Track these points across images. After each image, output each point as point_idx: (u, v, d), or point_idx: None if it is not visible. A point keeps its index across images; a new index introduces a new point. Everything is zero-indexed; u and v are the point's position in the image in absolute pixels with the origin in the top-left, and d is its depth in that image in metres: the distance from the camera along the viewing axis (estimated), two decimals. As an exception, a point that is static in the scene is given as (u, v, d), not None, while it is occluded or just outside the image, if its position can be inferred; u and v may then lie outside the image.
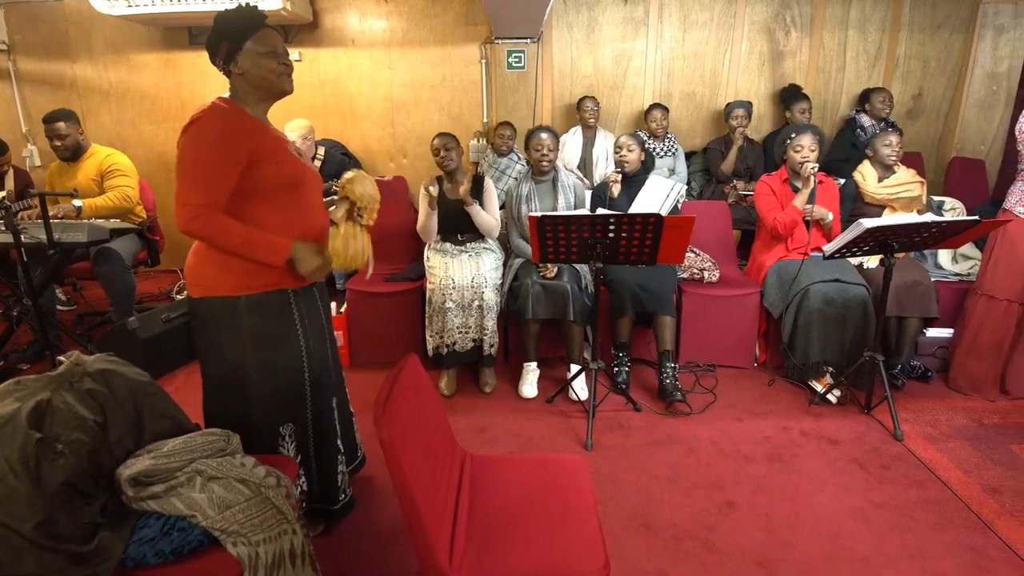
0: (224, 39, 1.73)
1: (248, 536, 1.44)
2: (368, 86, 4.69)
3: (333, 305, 3.30)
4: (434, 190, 3.10)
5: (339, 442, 2.04)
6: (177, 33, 4.55)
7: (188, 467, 1.52)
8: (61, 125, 3.38)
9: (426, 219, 3.17)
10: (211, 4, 3.81)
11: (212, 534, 1.43)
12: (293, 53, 4.54)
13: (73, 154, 3.45)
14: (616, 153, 3.30)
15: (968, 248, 3.53)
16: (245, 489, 1.51)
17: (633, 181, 3.28)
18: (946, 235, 2.61)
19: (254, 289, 1.75)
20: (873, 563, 1.98)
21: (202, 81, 4.62)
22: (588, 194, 3.39)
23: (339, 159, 4.14)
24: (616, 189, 3.23)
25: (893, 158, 3.23)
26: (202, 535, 1.43)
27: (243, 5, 1.78)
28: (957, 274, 3.49)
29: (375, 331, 3.34)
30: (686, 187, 4.18)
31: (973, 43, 4.65)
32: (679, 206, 3.27)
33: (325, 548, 2.01)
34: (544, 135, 3.14)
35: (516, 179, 3.92)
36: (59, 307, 4.13)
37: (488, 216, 3.18)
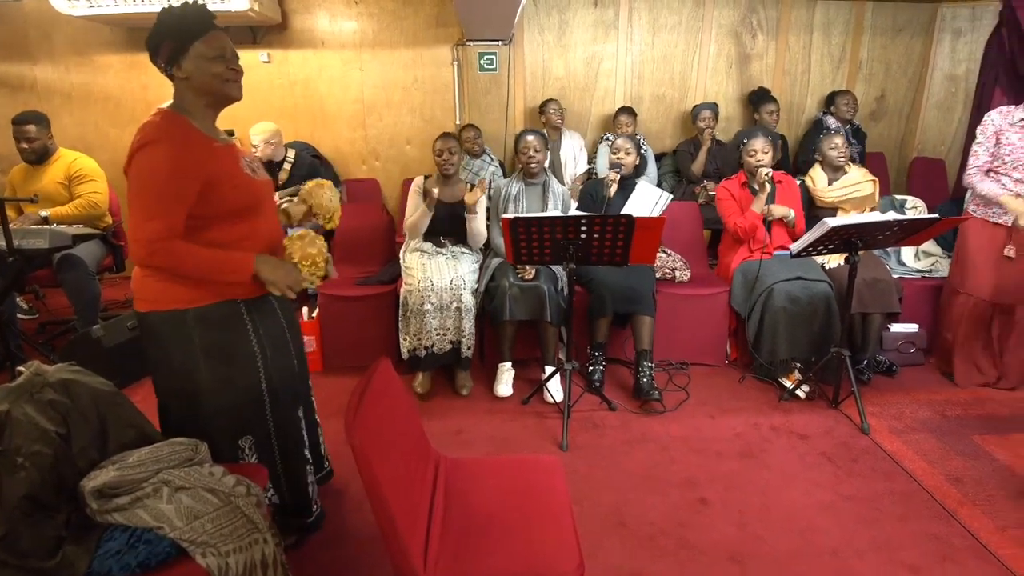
0: (168, 38, 1.62)
1: (218, 546, 1.41)
2: (339, 88, 4.65)
3: (305, 310, 3.27)
4: (436, 192, 3.05)
5: (307, 452, 2.00)
6: (142, 34, 4.45)
7: (155, 478, 1.49)
8: (31, 128, 3.29)
9: (420, 217, 3.13)
10: (177, 3, 3.73)
11: (180, 545, 1.40)
12: (261, 54, 4.49)
13: (39, 157, 3.36)
14: (614, 155, 3.34)
15: (930, 245, 3.64)
16: (214, 499, 1.48)
17: (626, 183, 3.33)
18: (908, 233, 2.68)
19: (202, 301, 1.67)
20: (842, 555, 2.03)
21: (168, 83, 4.52)
22: (574, 203, 3.43)
23: (309, 162, 4.10)
24: (614, 189, 3.26)
25: (841, 160, 3.32)
26: (170, 547, 1.40)
27: (192, 4, 1.67)
28: (919, 270, 3.60)
29: (348, 335, 3.30)
30: (671, 196, 4.24)
31: (932, 46, 4.81)
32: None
33: (297, 556, 1.99)
34: (531, 137, 3.16)
35: (494, 178, 3.93)
36: (20, 316, 4.01)
37: (480, 225, 3.19)
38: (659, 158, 4.62)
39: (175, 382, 1.74)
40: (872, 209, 3.30)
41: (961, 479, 2.42)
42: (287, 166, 3.97)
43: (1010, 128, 2.82)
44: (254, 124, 3.86)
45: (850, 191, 3.29)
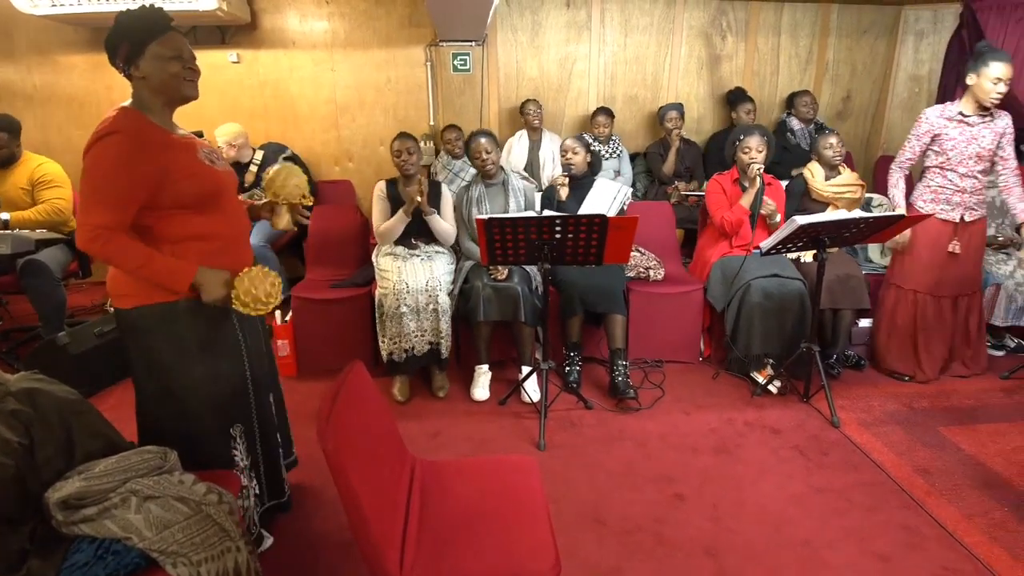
0: (126, 39, 1.66)
1: (189, 556, 1.39)
2: (311, 88, 4.60)
3: (278, 313, 3.23)
4: (418, 199, 2.98)
5: (278, 436, 2.06)
6: (105, 34, 4.35)
7: (123, 487, 1.46)
8: (3, 136, 3.20)
9: (396, 223, 3.08)
10: (142, 3, 3.65)
11: (150, 556, 1.38)
12: (230, 54, 4.42)
13: (3, 162, 3.27)
14: (562, 156, 3.34)
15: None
16: (184, 507, 1.46)
17: (581, 183, 3.32)
18: (873, 230, 2.74)
19: (192, 293, 1.70)
20: (814, 546, 2.07)
21: (134, 84, 4.43)
22: (538, 196, 3.42)
23: (277, 161, 4.05)
24: (564, 192, 3.27)
25: (838, 158, 3.38)
26: (139, 558, 1.37)
27: (149, 6, 1.71)
28: (886, 267, 3.68)
29: (323, 339, 3.26)
30: (631, 189, 4.27)
31: (896, 48, 4.92)
32: (625, 208, 3.34)
33: (273, 562, 1.96)
34: (482, 139, 3.15)
35: (469, 181, 3.92)
36: (-18, 323, 3.89)
37: (445, 223, 3.16)
38: (632, 158, 4.65)
39: (163, 379, 1.74)
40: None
41: (928, 470, 2.49)
42: (253, 167, 3.92)
43: (949, 123, 2.87)
44: (220, 126, 3.81)
45: (843, 191, 3.36)
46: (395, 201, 3.14)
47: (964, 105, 2.87)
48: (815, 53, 4.88)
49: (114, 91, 4.44)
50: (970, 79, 2.82)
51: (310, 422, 2.29)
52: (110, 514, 1.41)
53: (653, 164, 4.44)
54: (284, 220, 1.99)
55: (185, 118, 1.84)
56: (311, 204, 2.03)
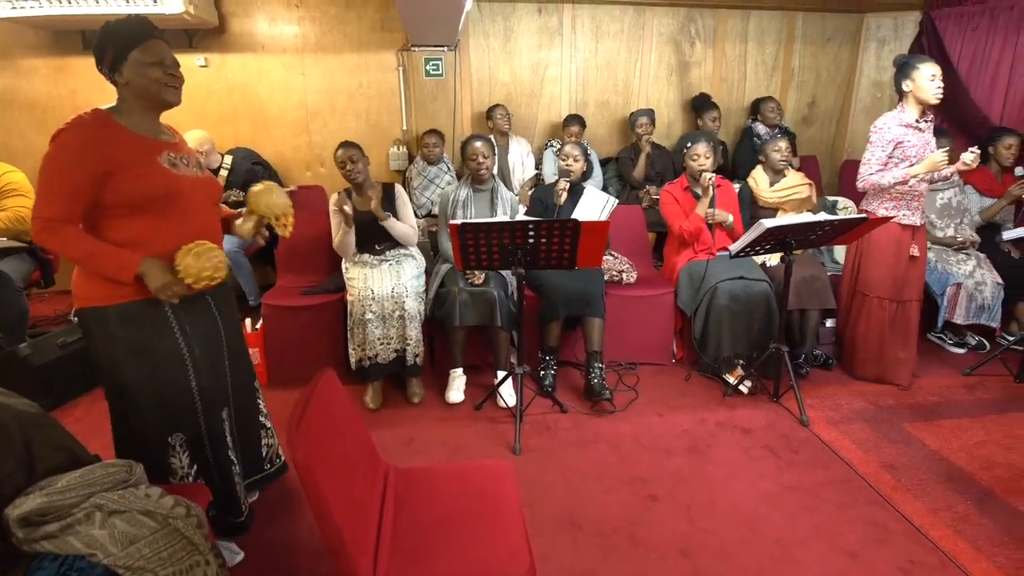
0: (111, 46, 1.72)
1: (156, 571, 1.35)
2: (281, 92, 4.55)
3: (248, 321, 3.18)
4: (348, 208, 2.99)
5: (232, 454, 1.98)
6: (69, 37, 4.25)
7: (86, 502, 1.41)
8: None
9: (343, 237, 3.08)
10: (104, 7, 3.58)
11: (116, 572, 1.34)
12: (198, 58, 4.35)
13: None
14: (563, 162, 3.37)
15: (860, 243, 3.81)
16: (151, 521, 1.42)
17: (575, 188, 3.37)
18: (838, 232, 2.81)
19: (124, 298, 1.72)
20: (786, 543, 2.10)
21: (99, 87, 4.30)
22: (522, 208, 3.45)
23: (247, 167, 3.99)
24: (563, 196, 3.30)
25: (784, 163, 3.45)
26: (104, 574, 1.34)
27: (133, 15, 1.78)
28: (851, 268, 3.77)
29: (294, 347, 3.22)
30: (616, 200, 4.31)
31: (859, 54, 5.06)
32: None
33: (245, 572, 1.93)
34: (479, 143, 3.15)
35: (444, 188, 3.92)
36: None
37: (404, 226, 3.14)
38: (604, 163, 4.70)
39: (105, 380, 1.80)
40: (810, 211, 3.44)
41: (895, 466, 2.55)
42: (223, 172, 3.86)
43: (908, 131, 2.93)
44: (191, 129, 3.74)
45: (789, 193, 3.43)
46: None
47: (913, 112, 2.94)
48: (781, 60, 4.98)
49: (78, 95, 4.34)
50: (906, 86, 2.89)
51: (281, 431, 2.27)
52: (73, 530, 1.37)
53: (624, 169, 4.49)
54: (248, 226, 1.96)
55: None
56: (288, 226, 1.99)
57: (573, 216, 3.22)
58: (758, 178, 3.52)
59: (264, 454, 2.22)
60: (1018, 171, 3.73)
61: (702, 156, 3.28)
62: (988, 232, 3.75)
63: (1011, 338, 3.60)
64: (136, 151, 1.72)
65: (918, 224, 3.05)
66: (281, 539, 2.11)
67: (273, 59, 4.48)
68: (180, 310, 1.80)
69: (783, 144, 3.45)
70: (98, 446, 1.72)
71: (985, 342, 3.70)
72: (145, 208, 1.71)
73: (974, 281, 3.53)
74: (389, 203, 3.17)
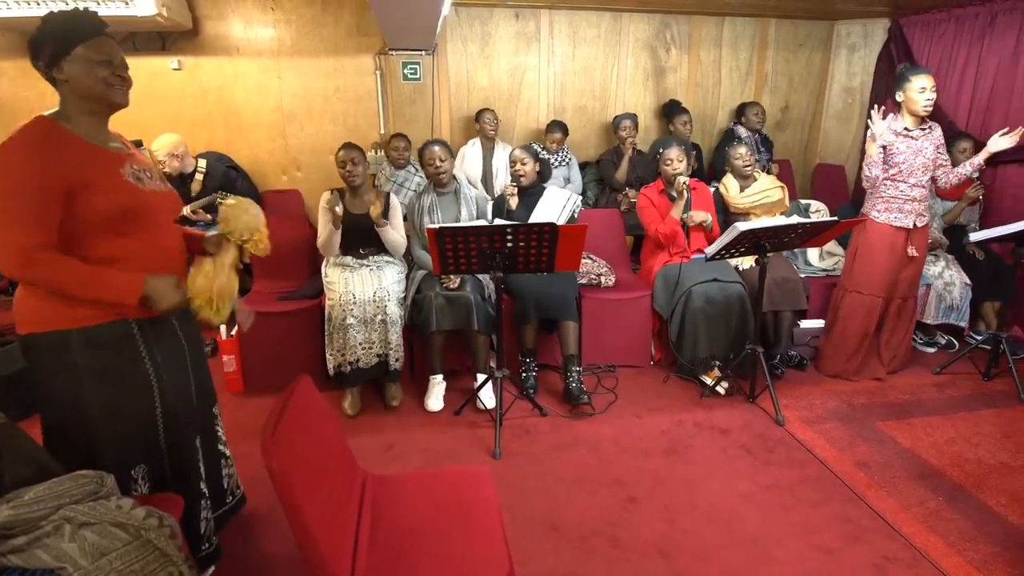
0: (51, 40, 1.56)
1: (127, 583, 1.33)
2: (256, 96, 4.49)
3: (223, 328, 3.13)
4: (340, 209, 2.97)
5: (203, 485, 1.86)
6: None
7: (55, 515, 1.38)
8: None
9: (329, 236, 3.05)
10: (73, 6, 3.51)
11: (85, 586, 1.31)
12: (171, 61, 4.28)
13: None
14: (511, 167, 3.36)
15: (832, 246, 3.90)
16: (122, 533, 1.39)
17: (531, 192, 3.35)
18: (811, 235, 2.86)
19: (88, 321, 1.57)
20: (762, 542, 2.13)
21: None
22: (490, 206, 3.43)
23: (223, 171, 3.93)
24: (514, 202, 3.29)
25: (748, 168, 3.52)
26: (73, 588, 1.31)
27: (81, 9, 1.62)
28: (824, 269, 3.85)
29: (271, 353, 3.18)
30: (581, 197, 4.33)
31: (830, 60, 5.16)
32: (575, 215, 3.38)
33: (221, 586, 1.90)
34: (436, 147, 3.14)
35: (415, 192, 3.89)
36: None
37: (396, 234, 3.13)
38: (583, 167, 4.72)
39: (59, 409, 1.62)
40: (782, 213, 3.50)
41: (868, 463, 2.59)
42: (199, 176, 3.80)
43: (897, 138, 3.04)
44: (163, 133, 3.68)
45: (760, 197, 3.49)
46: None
47: (904, 120, 3.04)
48: (755, 65, 5.06)
49: (47, 98, 4.20)
50: (899, 97, 3.02)
51: (256, 439, 2.24)
52: (42, 543, 1.34)
53: (606, 172, 4.52)
54: (231, 256, 1.83)
55: (124, 126, 1.77)
56: (264, 246, 1.89)
57: (531, 219, 3.23)
58: (728, 184, 3.59)
59: (225, 485, 2.08)
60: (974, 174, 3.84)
61: (675, 160, 3.33)
62: (954, 234, 3.84)
63: (979, 337, 3.70)
64: (97, 164, 1.58)
65: (910, 227, 3.13)
66: (257, 550, 2.08)
67: (248, 62, 4.43)
68: (149, 332, 1.67)
69: (742, 150, 3.53)
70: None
71: (954, 341, 3.79)
72: (111, 226, 1.57)
73: (943, 282, 3.62)
74: (384, 211, 3.15)
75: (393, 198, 3.23)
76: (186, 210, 3.49)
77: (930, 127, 3.08)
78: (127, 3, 3.52)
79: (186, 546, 1.54)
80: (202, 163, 3.83)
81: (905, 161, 3.04)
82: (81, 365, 1.58)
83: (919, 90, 2.93)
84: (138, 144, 1.81)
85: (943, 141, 3.13)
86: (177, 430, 1.76)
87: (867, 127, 3.08)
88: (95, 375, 1.59)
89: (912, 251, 3.16)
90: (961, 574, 1.98)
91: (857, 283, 3.27)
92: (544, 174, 3.41)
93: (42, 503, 1.38)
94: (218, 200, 3.65)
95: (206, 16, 4.29)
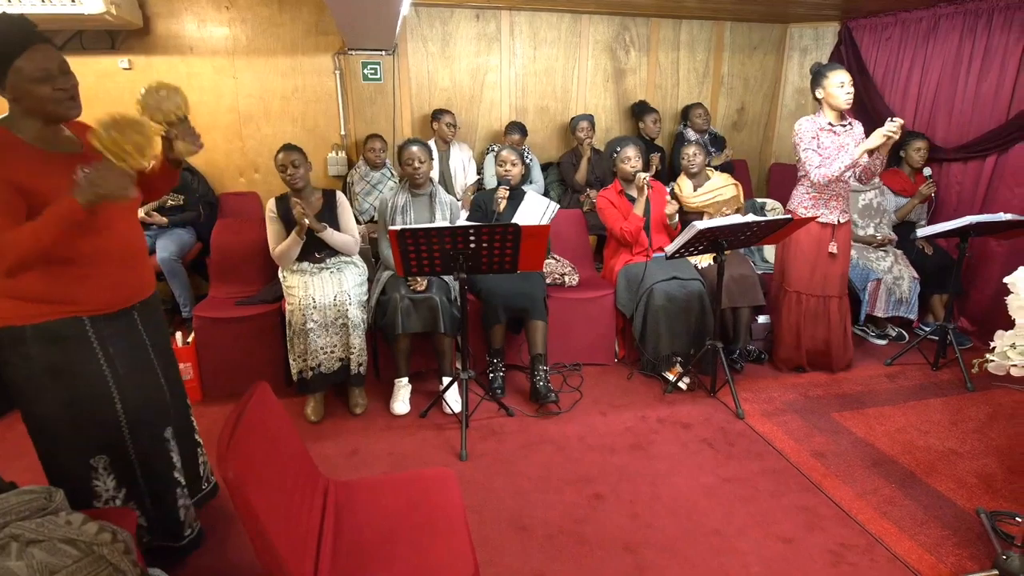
0: None
1: (78, 602, 1.28)
2: (211, 96, 4.39)
3: (179, 335, 3.05)
4: (307, 222, 2.87)
5: (178, 475, 1.91)
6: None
7: (1, 533, 1.33)
8: None
9: (291, 246, 2.97)
10: (18, 6, 3.35)
11: (33, 606, 1.26)
12: (121, 60, 4.15)
13: None
14: (500, 167, 3.36)
15: (788, 243, 3.99)
16: (73, 550, 1.35)
17: (515, 193, 3.38)
18: (766, 232, 2.93)
19: (41, 317, 1.61)
20: (724, 534, 2.17)
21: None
22: (463, 214, 3.44)
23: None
24: (503, 204, 3.30)
25: (693, 168, 3.60)
26: (20, 609, 1.26)
27: (6, 14, 1.53)
28: (780, 267, 3.93)
29: (230, 360, 3.10)
30: (557, 205, 4.35)
31: (783, 63, 5.30)
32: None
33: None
34: (415, 148, 3.11)
35: (387, 193, 3.86)
36: None
37: (343, 236, 3.08)
38: (545, 168, 4.75)
39: (21, 401, 1.69)
40: (738, 211, 3.58)
41: (824, 453, 2.67)
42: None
43: (822, 132, 3.11)
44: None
45: (713, 196, 3.57)
46: (287, 219, 3.02)
47: (827, 116, 3.12)
48: (711, 67, 5.17)
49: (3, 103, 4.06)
50: (819, 94, 3.10)
51: (214, 449, 2.19)
52: (-16, 564, 1.28)
53: (566, 173, 4.55)
54: (179, 147, 1.76)
55: (76, 126, 1.71)
56: (184, 115, 1.80)
57: (514, 221, 3.24)
58: (683, 184, 3.67)
59: (201, 472, 2.15)
60: (926, 171, 3.99)
61: (633, 158, 3.38)
62: (903, 230, 3.99)
63: (927, 329, 3.84)
64: (47, 172, 1.56)
65: (836, 223, 3.21)
66: (215, 561, 2.03)
67: (202, 62, 4.32)
68: (102, 327, 1.69)
69: (690, 150, 3.62)
70: (21, 467, 1.64)
71: (904, 333, 3.94)
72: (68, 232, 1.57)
73: (892, 276, 3.75)
74: (330, 211, 3.09)
75: (340, 196, 3.17)
76: (139, 212, 3.39)
77: (850, 123, 3.16)
78: (73, 1, 3.39)
79: (140, 559, 1.49)
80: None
81: (829, 157, 3.08)
82: (36, 360, 1.63)
83: (838, 85, 3.00)
84: None
85: (864, 138, 3.17)
86: (144, 425, 1.80)
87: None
88: (49, 370, 1.64)
89: (833, 247, 3.22)
90: (913, 557, 2.06)
91: (791, 281, 3.33)
92: (526, 176, 3.44)
93: (-15, 521, 1.32)
94: (169, 202, 3.56)
95: (157, 14, 4.17)
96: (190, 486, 2.02)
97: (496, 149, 4.37)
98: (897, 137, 2.87)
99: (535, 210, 3.34)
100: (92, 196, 1.50)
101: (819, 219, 3.19)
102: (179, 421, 1.99)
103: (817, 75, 3.09)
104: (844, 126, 3.13)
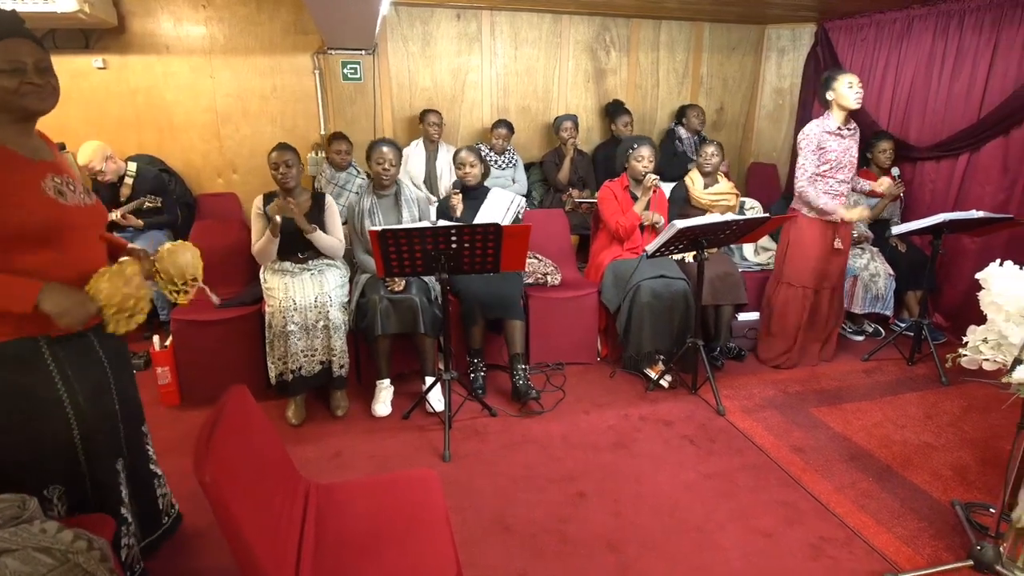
0: None
1: (53, 611, 1.26)
2: (188, 96, 4.33)
3: (156, 339, 3.01)
4: (279, 219, 2.86)
5: (124, 511, 1.77)
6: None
7: (-29, 543, 1.30)
8: None
9: (266, 244, 2.95)
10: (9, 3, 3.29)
11: (6, 616, 1.23)
12: (95, 60, 4.08)
13: None
14: (459, 169, 3.34)
15: (766, 241, 4.05)
16: (47, 559, 1.32)
17: (475, 194, 3.35)
18: (745, 231, 2.97)
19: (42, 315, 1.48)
20: (706, 529, 2.20)
21: None
22: (433, 209, 3.41)
23: (155, 175, 3.76)
24: (459, 208, 3.27)
25: (708, 167, 3.63)
26: (-8, 620, 1.23)
27: None
28: (759, 264, 3.99)
29: (209, 363, 3.05)
30: (526, 197, 4.36)
31: (761, 63, 5.36)
32: (520, 216, 3.40)
33: (158, 608, 1.82)
34: (385, 148, 3.09)
35: (357, 193, 3.82)
36: None
37: (330, 238, 3.06)
38: (527, 168, 4.75)
39: None
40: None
41: (803, 448, 2.71)
42: (129, 180, 3.63)
43: (830, 137, 3.19)
44: (89, 137, 3.50)
45: (719, 198, 3.61)
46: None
47: (836, 120, 3.19)
48: (691, 68, 5.21)
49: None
50: (829, 95, 3.18)
51: (188, 456, 2.15)
52: (-45, 575, 1.25)
53: (548, 173, 4.56)
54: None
55: (46, 129, 1.67)
56: (191, 293, 1.81)
57: (476, 220, 3.23)
58: (694, 178, 3.70)
59: (160, 506, 2.01)
60: (895, 171, 4.08)
61: (646, 159, 3.40)
62: (878, 228, 4.06)
63: (903, 325, 3.91)
64: (14, 177, 1.48)
65: (838, 221, 3.29)
66: (197, 565, 2.00)
67: (179, 61, 4.26)
68: (60, 351, 1.57)
69: (709, 150, 3.64)
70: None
71: (880, 329, 4.01)
72: (26, 242, 1.48)
73: (869, 273, 3.82)
74: (318, 213, 3.07)
75: (328, 199, 3.15)
76: (115, 215, 3.33)
77: (854, 128, 3.25)
78: (45, -1, 3.32)
79: (118, 567, 1.46)
80: (132, 167, 3.67)
81: (836, 159, 3.20)
82: None
83: (848, 85, 3.10)
84: (61, 147, 1.69)
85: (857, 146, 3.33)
86: (96, 453, 1.67)
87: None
88: (2, 392, 1.50)
89: (838, 243, 3.32)
90: (891, 549, 2.10)
91: (789, 276, 3.41)
92: (485, 175, 3.41)
93: (-45, 531, 1.29)
94: (146, 204, 3.50)
95: (132, 13, 4.11)
96: (148, 523, 1.92)
97: (483, 148, 4.35)
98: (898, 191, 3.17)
99: (499, 207, 3.31)
100: (51, 311, 1.47)
101: (822, 217, 3.27)
102: (137, 451, 1.88)
103: (828, 80, 3.19)
104: (850, 130, 3.23)
